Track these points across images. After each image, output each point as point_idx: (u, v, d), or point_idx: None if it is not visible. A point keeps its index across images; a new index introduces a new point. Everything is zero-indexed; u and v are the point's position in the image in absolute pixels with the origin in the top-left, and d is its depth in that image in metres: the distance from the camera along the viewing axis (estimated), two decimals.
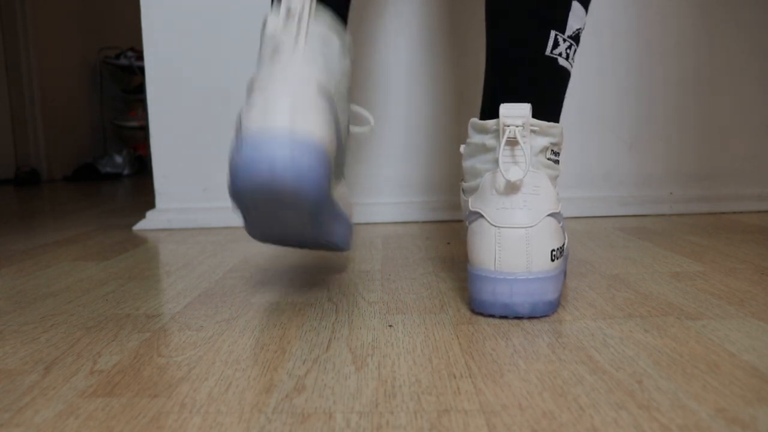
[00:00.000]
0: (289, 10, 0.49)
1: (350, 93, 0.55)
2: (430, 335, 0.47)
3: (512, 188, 0.50)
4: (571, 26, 0.56)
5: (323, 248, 0.62)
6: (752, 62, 1.08)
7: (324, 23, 0.52)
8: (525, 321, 0.49)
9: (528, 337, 0.45)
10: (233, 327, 0.50)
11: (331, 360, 0.42)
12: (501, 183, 0.50)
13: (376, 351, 0.44)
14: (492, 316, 0.51)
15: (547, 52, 0.55)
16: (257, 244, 0.90)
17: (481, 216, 0.51)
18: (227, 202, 1.11)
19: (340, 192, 0.60)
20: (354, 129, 0.63)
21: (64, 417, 0.35)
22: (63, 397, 0.37)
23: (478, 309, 0.51)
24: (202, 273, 0.71)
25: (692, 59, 1.08)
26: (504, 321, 0.50)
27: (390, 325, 0.49)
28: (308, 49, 0.49)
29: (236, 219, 1.09)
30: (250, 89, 0.50)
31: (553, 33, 0.55)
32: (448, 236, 0.92)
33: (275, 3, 0.53)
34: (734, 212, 1.06)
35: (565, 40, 0.56)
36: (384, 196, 1.11)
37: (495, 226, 0.50)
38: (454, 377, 0.39)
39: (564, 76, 0.58)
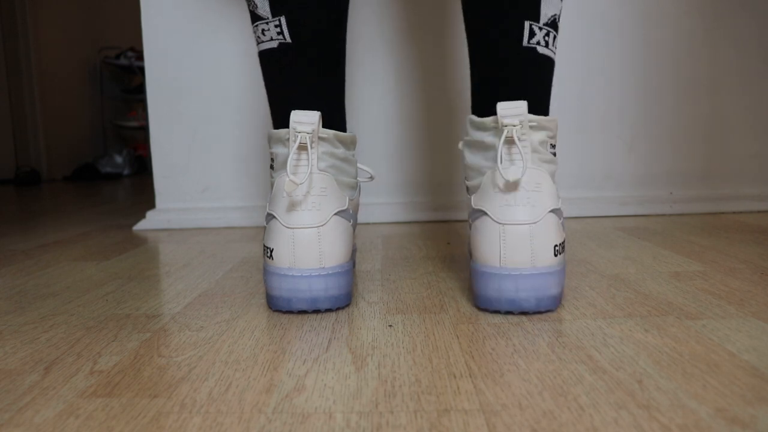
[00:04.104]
0: (300, 144, 0.54)
1: (356, 160, 0.62)
2: (430, 335, 0.47)
3: (513, 186, 0.51)
4: (546, 14, 0.57)
5: None
6: (752, 62, 1.08)
7: (329, 144, 0.57)
8: (525, 320, 0.49)
9: (528, 337, 0.45)
10: (233, 327, 0.50)
11: (331, 360, 0.42)
12: (501, 182, 0.51)
13: (376, 351, 0.44)
14: (497, 312, 0.51)
15: (525, 42, 0.56)
16: (257, 244, 0.90)
17: (485, 213, 0.52)
18: (227, 202, 1.11)
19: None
20: (359, 180, 0.71)
21: (64, 417, 0.35)
22: (63, 397, 0.37)
23: (483, 305, 0.52)
24: (202, 273, 0.71)
25: (692, 59, 1.08)
26: (504, 320, 0.50)
27: (390, 325, 0.49)
28: (319, 184, 0.55)
29: (236, 219, 1.09)
30: (272, 226, 0.55)
31: (527, 23, 0.56)
32: (448, 236, 0.92)
33: (281, 129, 0.58)
34: (734, 212, 1.06)
35: (541, 29, 0.56)
36: (384, 196, 1.11)
37: (499, 223, 0.50)
38: (454, 377, 0.39)
39: (547, 63, 0.58)
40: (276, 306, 0.54)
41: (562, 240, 0.52)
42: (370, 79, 1.09)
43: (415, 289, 0.61)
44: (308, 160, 0.54)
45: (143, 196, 1.92)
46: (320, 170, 0.55)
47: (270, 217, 0.55)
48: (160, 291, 0.63)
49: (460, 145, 0.60)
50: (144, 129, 3.65)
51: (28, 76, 3.04)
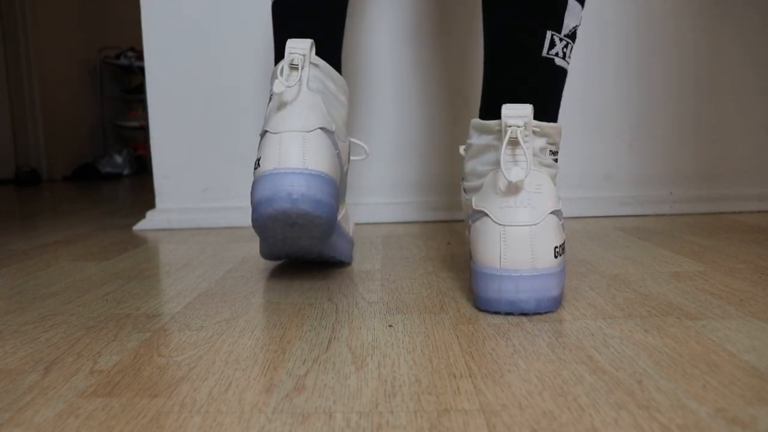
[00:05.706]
0: (291, 63, 0.57)
1: (348, 125, 0.64)
2: (430, 335, 0.47)
3: (515, 188, 0.51)
4: (567, 25, 0.56)
5: (327, 261, 0.70)
6: (752, 63, 1.08)
7: (320, 71, 0.59)
8: (525, 321, 0.49)
9: (528, 337, 0.45)
10: (233, 327, 0.50)
11: (331, 360, 0.42)
12: (503, 183, 0.51)
13: (376, 351, 0.44)
14: (497, 313, 0.51)
15: (544, 53, 0.55)
16: (257, 244, 0.90)
17: (486, 215, 0.52)
18: (227, 202, 1.11)
19: (342, 214, 0.68)
20: (352, 158, 0.72)
21: (64, 417, 0.35)
22: (63, 397, 0.37)
23: (483, 306, 0.52)
24: (202, 273, 0.71)
25: (692, 60, 1.08)
26: (504, 321, 0.50)
27: (390, 325, 0.49)
28: (308, 98, 0.57)
29: (237, 219, 1.09)
30: (263, 140, 0.57)
31: (549, 33, 0.55)
32: (448, 236, 0.92)
33: (280, 61, 0.61)
34: (734, 212, 1.06)
35: (561, 39, 0.56)
36: (384, 196, 1.11)
37: (500, 225, 0.50)
38: (454, 377, 0.39)
39: (561, 75, 0.57)
40: (258, 211, 0.55)
41: (563, 241, 0.52)
42: (370, 79, 1.09)
43: (415, 289, 0.61)
44: (299, 77, 0.56)
45: (143, 196, 1.92)
46: (310, 89, 0.57)
47: (262, 134, 0.57)
48: (160, 291, 0.63)
49: (461, 149, 0.60)
50: (144, 129, 3.65)
51: (28, 76, 3.03)
